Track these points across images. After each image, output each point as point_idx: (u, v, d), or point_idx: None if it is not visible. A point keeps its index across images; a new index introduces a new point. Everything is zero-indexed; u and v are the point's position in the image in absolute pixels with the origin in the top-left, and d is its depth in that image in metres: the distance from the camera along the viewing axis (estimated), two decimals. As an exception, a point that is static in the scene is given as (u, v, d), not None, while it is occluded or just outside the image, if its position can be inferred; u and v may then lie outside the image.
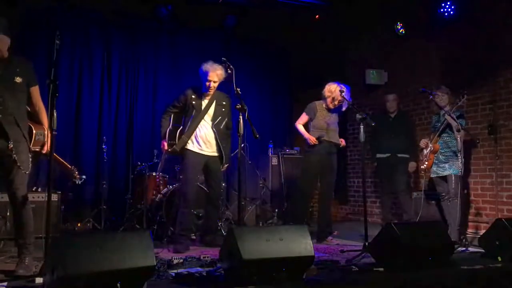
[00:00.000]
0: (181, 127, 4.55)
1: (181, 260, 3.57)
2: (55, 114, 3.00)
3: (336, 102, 5.01)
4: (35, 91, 3.46)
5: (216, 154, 4.58)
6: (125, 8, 6.58)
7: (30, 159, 3.34)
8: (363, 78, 6.86)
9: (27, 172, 3.28)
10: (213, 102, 4.56)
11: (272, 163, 6.84)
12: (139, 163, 5.87)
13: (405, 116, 6.21)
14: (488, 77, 5.57)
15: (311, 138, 4.97)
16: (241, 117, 3.71)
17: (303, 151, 5.28)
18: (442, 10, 5.88)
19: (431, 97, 4.90)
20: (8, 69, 3.28)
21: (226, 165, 4.72)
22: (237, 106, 3.74)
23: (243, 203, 6.00)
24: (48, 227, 2.99)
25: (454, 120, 4.77)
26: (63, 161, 4.05)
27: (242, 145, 4.00)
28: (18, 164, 3.23)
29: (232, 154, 7.18)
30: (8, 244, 4.37)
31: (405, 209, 5.83)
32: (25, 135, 3.33)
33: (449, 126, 4.94)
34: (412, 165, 5.85)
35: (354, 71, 7.22)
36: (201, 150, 4.50)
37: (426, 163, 5.08)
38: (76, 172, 4.15)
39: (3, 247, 4.37)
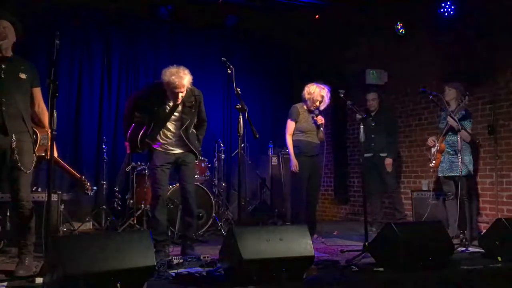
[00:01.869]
0: (143, 129, 3.99)
1: (181, 260, 3.57)
2: (55, 114, 3.00)
3: (316, 104, 5.00)
4: (38, 92, 3.46)
5: (186, 151, 4.10)
6: (125, 8, 6.58)
7: (34, 161, 3.34)
8: (363, 78, 6.86)
9: (28, 172, 3.28)
10: (178, 104, 4.00)
11: (272, 163, 6.84)
12: (139, 163, 5.87)
13: (386, 113, 6.12)
14: (488, 77, 5.57)
15: (295, 165, 4.97)
16: (241, 117, 3.70)
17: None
18: (442, 10, 5.87)
19: (431, 97, 4.89)
20: (12, 65, 3.30)
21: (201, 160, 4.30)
22: (237, 106, 3.72)
23: (243, 203, 6.00)
24: (48, 227, 2.99)
25: (455, 120, 4.78)
26: (72, 170, 3.85)
27: (242, 145, 3.97)
28: (19, 164, 3.22)
29: (232, 154, 7.26)
30: (8, 244, 4.36)
31: (398, 208, 5.84)
32: (30, 133, 3.33)
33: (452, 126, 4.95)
34: (387, 161, 5.82)
35: (354, 71, 7.21)
36: (168, 150, 4.05)
37: (434, 162, 5.09)
38: (88, 184, 3.89)
39: (3, 247, 4.36)
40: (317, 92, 4.97)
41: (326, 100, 5.03)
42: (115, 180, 6.41)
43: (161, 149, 4.04)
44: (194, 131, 4.21)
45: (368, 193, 6.11)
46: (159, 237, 3.95)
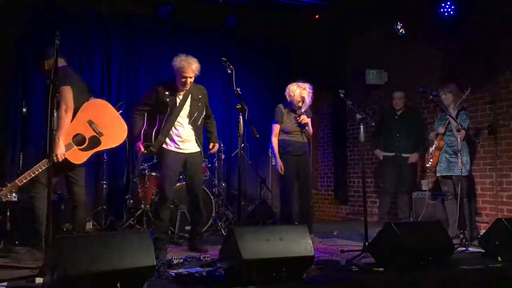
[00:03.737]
0: (156, 126, 4.20)
1: (181, 260, 3.57)
2: (55, 114, 3.00)
3: (298, 104, 4.91)
4: (60, 92, 3.53)
5: (195, 150, 4.30)
6: (125, 7, 6.58)
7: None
8: (363, 78, 6.86)
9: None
10: (188, 97, 4.24)
11: (272, 163, 6.83)
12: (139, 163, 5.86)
13: (413, 114, 6.07)
14: (488, 77, 5.57)
15: (280, 166, 4.93)
16: (241, 117, 3.71)
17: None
18: (442, 10, 5.87)
19: (431, 97, 4.89)
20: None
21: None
22: (237, 106, 3.73)
23: (243, 203, 6.00)
24: (48, 227, 2.99)
25: (454, 120, 4.78)
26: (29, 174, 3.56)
27: (242, 145, 3.98)
28: None
29: (232, 154, 7.26)
30: (8, 244, 4.36)
31: (402, 207, 5.84)
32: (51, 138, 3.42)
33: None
34: (413, 156, 5.77)
35: (354, 71, 7.22)
36: (179, 148, 4.21)
37: (431, 161, 5.08)
38: (9, 192, 3.37)
39: (3, 246, 4.36)
40: (297, 93, 4.87)
41: (307, 100, 4.92)
42: (115, 180, 6.41)
43: (173, 148, 4.19)
44: (205, 126, 4.48)
45: (382, 191, 6.13)
46: (161, 235, 4.08)
